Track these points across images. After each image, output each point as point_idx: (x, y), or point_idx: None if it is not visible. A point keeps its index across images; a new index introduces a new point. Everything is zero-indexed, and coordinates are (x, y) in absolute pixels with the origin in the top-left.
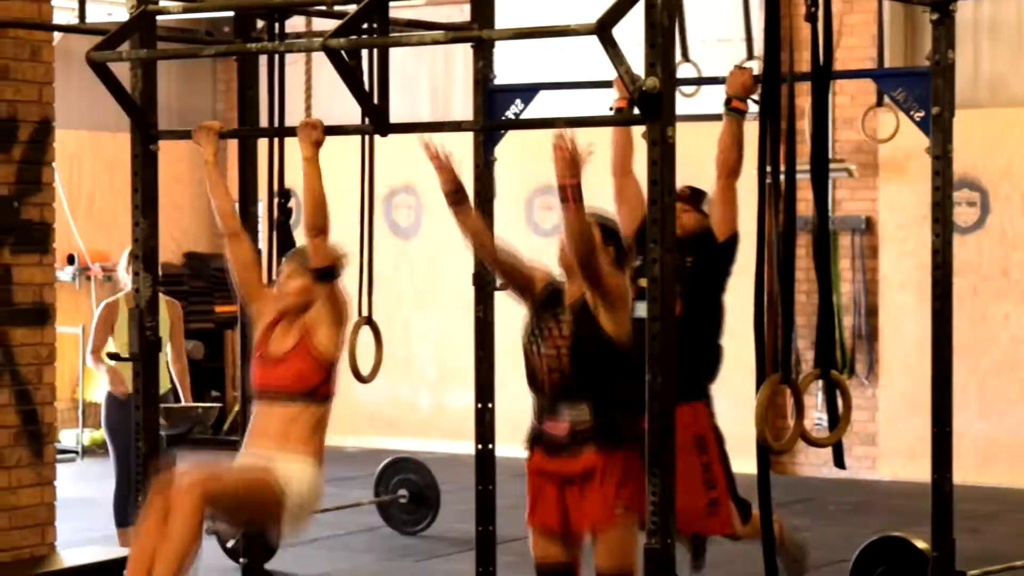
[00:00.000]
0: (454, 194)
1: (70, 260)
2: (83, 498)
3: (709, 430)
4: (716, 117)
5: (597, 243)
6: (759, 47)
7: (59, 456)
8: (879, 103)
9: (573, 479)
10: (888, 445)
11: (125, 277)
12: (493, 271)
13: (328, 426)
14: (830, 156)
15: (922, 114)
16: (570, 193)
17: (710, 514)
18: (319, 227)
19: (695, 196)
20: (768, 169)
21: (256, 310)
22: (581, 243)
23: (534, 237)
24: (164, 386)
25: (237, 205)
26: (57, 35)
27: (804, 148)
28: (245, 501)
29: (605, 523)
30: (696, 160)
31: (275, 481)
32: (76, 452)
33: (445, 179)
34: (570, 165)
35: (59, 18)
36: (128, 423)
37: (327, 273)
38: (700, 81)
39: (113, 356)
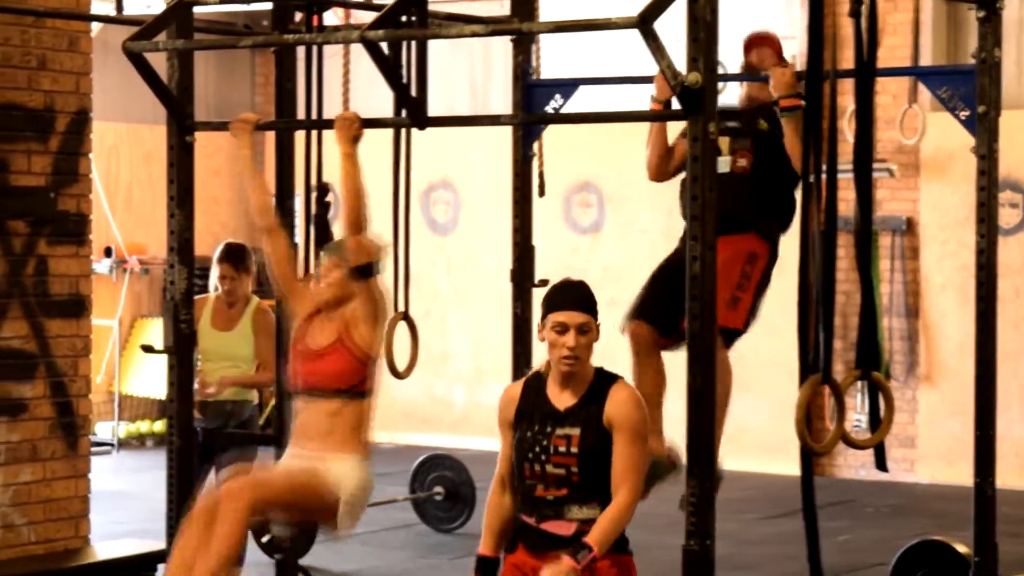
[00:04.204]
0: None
1: (107, 253)
2: (118, 491)
3: (765, 257)
4: None
5: None
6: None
7: (94, 449)
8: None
9: None
10: (927, 448)
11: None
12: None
13: (372, 421)
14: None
15: (967, 112)
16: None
17: (728, 307)
18: (359, 224)
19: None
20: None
21: (293, 305)
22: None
23: (572, 234)
24: (246, 397)
25: (274, 199)
26: (95, 26)
27: (846, 147)
28: (296, 505)
29: None
30: None
31: (325, 483)
32: (112, 445)
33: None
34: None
35: (97, 9)
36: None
37: (365, 271)
38: (740, 77)
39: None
